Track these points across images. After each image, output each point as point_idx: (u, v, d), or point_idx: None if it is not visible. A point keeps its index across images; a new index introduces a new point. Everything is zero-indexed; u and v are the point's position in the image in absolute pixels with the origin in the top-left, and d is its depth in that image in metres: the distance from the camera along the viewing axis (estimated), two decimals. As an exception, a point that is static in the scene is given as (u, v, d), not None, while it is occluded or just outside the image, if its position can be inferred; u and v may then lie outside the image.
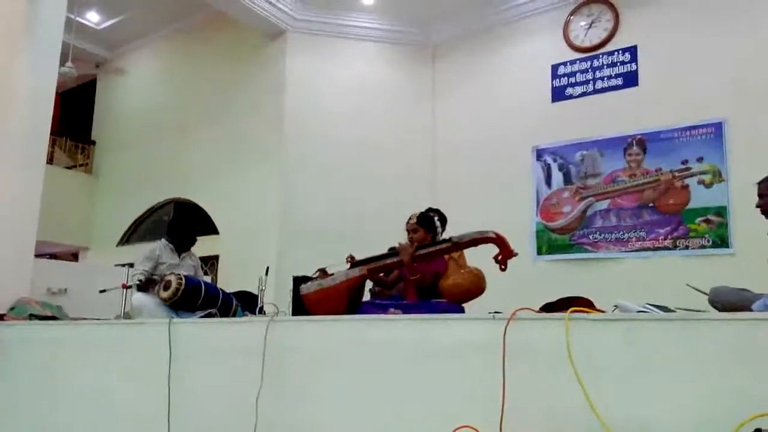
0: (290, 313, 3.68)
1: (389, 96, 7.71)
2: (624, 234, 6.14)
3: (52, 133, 5.50)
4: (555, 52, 6.96)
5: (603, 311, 2.48)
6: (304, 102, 7.47)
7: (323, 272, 3.63)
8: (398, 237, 4.06)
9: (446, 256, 3.52)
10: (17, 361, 3.96)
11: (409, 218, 3.90)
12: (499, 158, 7.03)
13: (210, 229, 7.90)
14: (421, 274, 3.43)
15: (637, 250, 6.04)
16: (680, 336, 2.10)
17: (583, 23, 6.84)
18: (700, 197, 5.82)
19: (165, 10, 8.61)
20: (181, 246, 4.58)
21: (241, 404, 2.95)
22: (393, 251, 3.51)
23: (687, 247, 5.80)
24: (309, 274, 3.71)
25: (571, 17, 6.91)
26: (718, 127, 5.82)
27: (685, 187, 5.92)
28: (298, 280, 3.66)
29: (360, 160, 7.38)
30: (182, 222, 4.77)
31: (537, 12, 7.14)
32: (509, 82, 7.23)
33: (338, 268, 3.54)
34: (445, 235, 3.71)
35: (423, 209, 4.26)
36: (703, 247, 5.73)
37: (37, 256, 5.00)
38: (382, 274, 3.63)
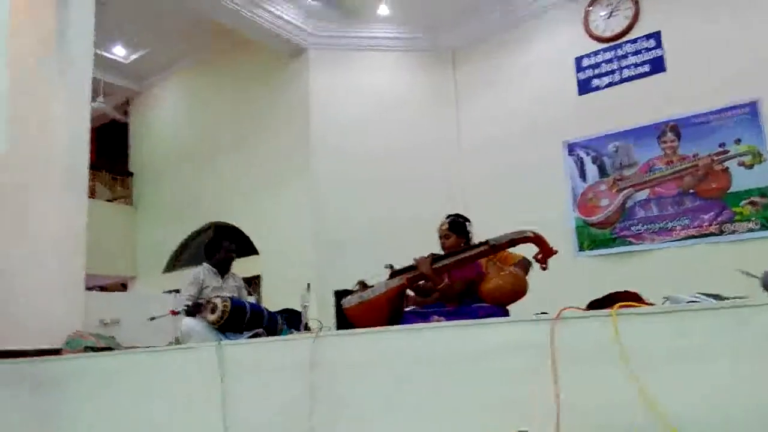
0: (335, 327, 3.70)
1: (413, 103, 7.74)
2: (667, 223, 6.01)
3: (91, 168, 5.67)
4: (577, 44, 6.90)
5: (652, 304, 2.43)
6: (330, 116, 7.56)
7: (363, 285, 3.64)
8: (433, 242, 4.06)
9: (485, 259, 3.50)
10: (76, 393, 4.07)
11: (441, 224, 3.88)
12: (530, 156, 6.98)
13: (250, 249, 8.02)
14: (450, 283, 3.42)
15: (682, 239, 5.91)
16: (733, 324, 2.05)
17: (603, 13, 6.76)
18: (742, 179, 5.67)
19: (188, 39, 8.82)
20: (221, 267, 4.64)
21: (295, 421, 2.98)
22: (410, 265, 3.49)
23: (734, 232, 5.65)
24: (349, 286, 3.74)
25: (590, 8, 6.84)
26: (753, 106, 5.67)
27: (725, 170, 5.77)
28: (340, 294, 3.68)
29: (389, 168, 7.42)
30: (212, 244, 4.82)
31: (555, 6, 7.09)
32: (533, 78, 7.18)
33: (378, 278, 3.55)
34: (482, 237, 3.68)
35: (452, 214, 4.25)
36: (751, 230, 5.57)
37: (87, 289, 5.15)
38: (421, 283, 3.63)
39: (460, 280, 3.48)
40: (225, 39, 8.60)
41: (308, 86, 7.63)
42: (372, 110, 7.66)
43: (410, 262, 3.54)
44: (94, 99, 6.92)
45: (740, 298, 2.31)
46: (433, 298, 3.69)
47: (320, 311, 4.81)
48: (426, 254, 3.52)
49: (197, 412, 3.45)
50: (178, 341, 4.24)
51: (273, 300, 6.17)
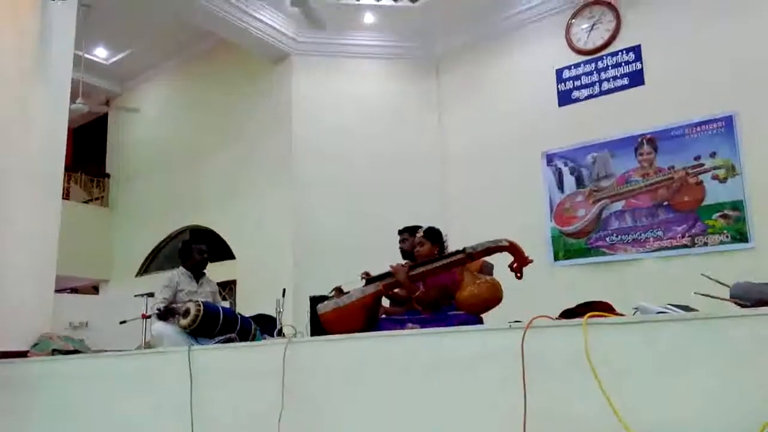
0: (308, 333, 3.67)
1: (396, 111, 7.76)
2: (641, 234, 6.08)
3: (67, 169, 5.58)
4: (559, 56, 6.96)
5: (623, 315, 2.45)
6: (312, 122, 7.53)
7: (339, 291, 3.63)
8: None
9: (460, 267, 3.50)
10: (42, 396, 3.99)
11: (412, 233, 3.89)
12: (509, 165, 7.02)
13: (226, 254, 7.95)
14: (425, 290, 3.42)
15: (655, 250, 5.98)
16: (702, 335, 2.07)
17: (585, 26, 6.84)
18: (715, 193, 5.75)
19: (170, 42, 8.76)
20: (195, 270, 4.59)
21: (264, 427, 2.95)
22: (386, 272, 3.49)
23: (706, 244, 5.72)
24: (326, 293, 3.71)
25: (573, 21, 6.92)
26: (729, 120, 5.77)
27: (700, 183, 5.86)
28: (315, 300, 3.66)
29: (370, 176, 7.41)
30: (185, 248, 4.76)
31: (538, 18, 7.15)
32: (514, 89, 7.24)
33: (355, 285, 3.54)
34: (458, 246, 3.69)
35: (406, 227, 4.27)
36: (722, 243, 5.65)
37: (57, 291, 5.06)
38: (397, 290, 3.62)
39: (435, 287, 3.48)
40: (208, 42, 8.56)
41: (291, 92, 7.60)
42: (355, 117, 7.65)
43: (388, 270, 3.53)
44: (73, 100, 6.82)
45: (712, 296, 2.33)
46: (404, 308, 3.69)
47: (295, 317, 4.79)
48: (403, 262, 3.52)
49: (166, 417, 3.40)
50: (149, 345, 4.17)
51: (248, 305, 6.10)
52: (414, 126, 7.73)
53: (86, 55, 8.56)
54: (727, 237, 5.64)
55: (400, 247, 4.32)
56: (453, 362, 2.58)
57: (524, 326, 2.36)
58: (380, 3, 7.25)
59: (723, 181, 5.73)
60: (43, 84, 5.07)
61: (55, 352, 4.19)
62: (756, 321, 2.03)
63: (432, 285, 3.46)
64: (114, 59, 9.27)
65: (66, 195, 8.31)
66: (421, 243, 3.67)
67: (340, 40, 7.74)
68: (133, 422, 3.53)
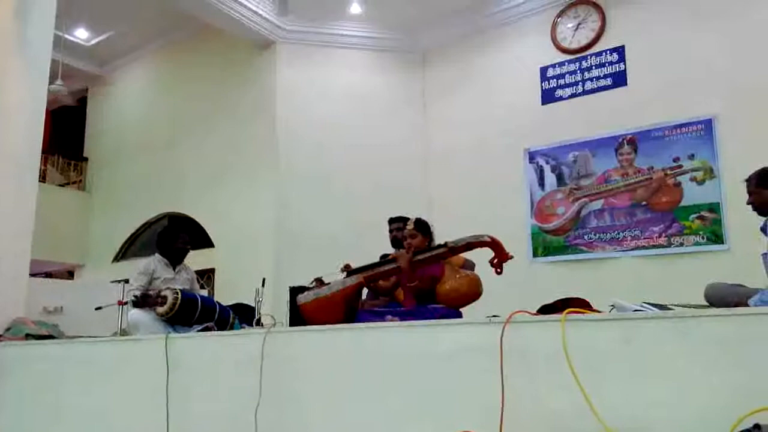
0: (288, 324, 3.66)
1: (380, 103, 7.74)
2: (618, 233, 6.16)
3: (44, 151, 5.48)
4: (543, 54, 6.99)
5: (600, 311, 2.48)
6: (296, 112, 7.48)
7: (320, 282, 3.62)
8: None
9: (443, 261, 3.52)
10: (15, 381, 3.93)
11: (396, 223, 3.89)
12: (492, 161, 7.05)
13: (205, 242, 7.88)
14: (419, 279, 3.43)
15: (632, 249, 6.06)
16: (677, 333, 2.11)
17: (570, 25, 6.88)
18: (692, 194, 5.84)
19: (154, 25, 8.62)
20: (174, 258, 4.53)
21: (241, 417, 2.94)
22: (388, 258, 3.51)
23: (681, 245, 5.82)
24: (306, 283, 3.70)
25: (558, 19, 6.95)
26: (708, 123, 5.85)
27: (678, 184, 5.94)
28: (295, 291, 3.65)
29: (353, 168, 7.39)
30: (168, 233, 4.70)
31: (524, 15, 7.18)
32: (499, 85, 7.26)
33: (335, 276, 3.54)
34: (439, 240, 3.71)
35: (396, 217, 4.27)
36: (697, 243, 5.75)
37: (32, 275, 4.97)
38: (379, 282, 3.63)
39: (427, 278, 3.48)
40: (191, 27, 8.43)
41: (276, 80, 7.54)
42: (339, 108, 7.61)
43: (369, 262, 3.54)
44: (52, 81, 6.68)
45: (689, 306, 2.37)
46: (384, 300, 3.70)
47: (274, 307, 4.76)
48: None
49: (141, 405, 3.37)
50: (124, 332, 4.13)
51: (226, 294, 6.05)
52: (398, 119, 7.72)
53: (66, 36, 8.39)
54: (703, 238, 5.73)
55: (392, 236, 4.27)
56: (432, 355, 2.60)
57: (503, 321, 2.38)
58: (367, -7, 7.22)
59: (701, 183, 5.83)
60: (21, 63, 4.96)
61: (28, 336, 4.12)
62: (728, 321, 2.07)
63: (423, 275, 3.47)
64: (95, 41, 9.09)
65: (42, 178, 8.16)
66: (413, 235, 3.65)
67: (326, 30, 7.69)
68: (108, 410, 3.49)
